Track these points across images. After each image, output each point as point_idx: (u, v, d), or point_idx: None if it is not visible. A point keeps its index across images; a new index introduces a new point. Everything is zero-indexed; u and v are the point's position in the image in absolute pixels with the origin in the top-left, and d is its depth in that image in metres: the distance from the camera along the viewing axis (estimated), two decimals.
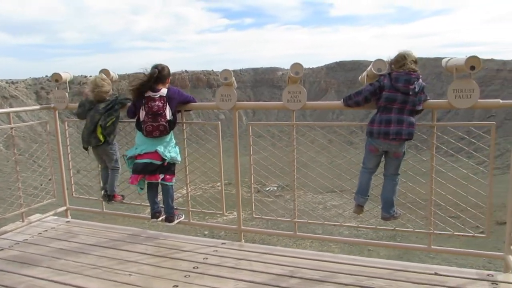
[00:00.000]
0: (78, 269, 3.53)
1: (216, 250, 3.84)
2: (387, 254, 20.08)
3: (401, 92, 3.21)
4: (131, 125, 4.29)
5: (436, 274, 3.21)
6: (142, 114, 3.88)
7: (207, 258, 3.67)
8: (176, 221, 4.17)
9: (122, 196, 4.49)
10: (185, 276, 3.33)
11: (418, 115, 3.35)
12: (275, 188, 31.91)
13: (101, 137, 4.12)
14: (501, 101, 3.29)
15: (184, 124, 4.22)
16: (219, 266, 3.50)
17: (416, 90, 3.22)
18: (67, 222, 4.85)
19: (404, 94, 3.21)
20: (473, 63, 3.01)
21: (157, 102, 3.83)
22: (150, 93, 3.86)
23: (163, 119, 3.82)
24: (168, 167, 4.00)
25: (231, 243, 4.02)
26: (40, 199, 4.86)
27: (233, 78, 3.92)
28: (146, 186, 4.04)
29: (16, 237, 4.35)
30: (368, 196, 3.55)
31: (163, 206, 4.14)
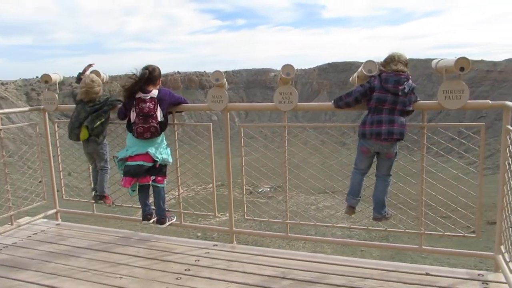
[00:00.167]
0: (68, 272, 3.49)
1: (208, 252, 3.83)
2: (379, 254, 20.21)
3: (391, 92, 3.23)
4: (123, 127, 4.27)
5: (427, 274, 3.22)
6: (133, 115, 3.85)
7: (198, 260, 3.65)
8: (167, 223, 4.16)
9: (112, 202, 4.45)
10: (176, 279, 3.31)
11: (409, 116, 3.36)
12: (268, 189, 31.97)
13: (81, 137, 4.13)
14: (490, 102, 3.31)
15: (176, 126, 4.21)
16: (211, 268, 3.49)
17: (406, 90, 3.23)
18: (57, 225, 4.79)
19: (394, 95, 3.22)
20: (462, 64, 3.03)
21: (148, 104, 3.81)
22: (141, 95, 3.84)
23: (154, 121, 3.80)
24: (159, 169, 3.99)
25: (223, 245, 4.01)
26: (29, 202, 4.80)
27: (225, 79, 3.91)
28: (137, 188, 4.02)
29: (4, 241, 4.28)
30: (360, 197, 3.56)
31: (155, 208, 4.12)
